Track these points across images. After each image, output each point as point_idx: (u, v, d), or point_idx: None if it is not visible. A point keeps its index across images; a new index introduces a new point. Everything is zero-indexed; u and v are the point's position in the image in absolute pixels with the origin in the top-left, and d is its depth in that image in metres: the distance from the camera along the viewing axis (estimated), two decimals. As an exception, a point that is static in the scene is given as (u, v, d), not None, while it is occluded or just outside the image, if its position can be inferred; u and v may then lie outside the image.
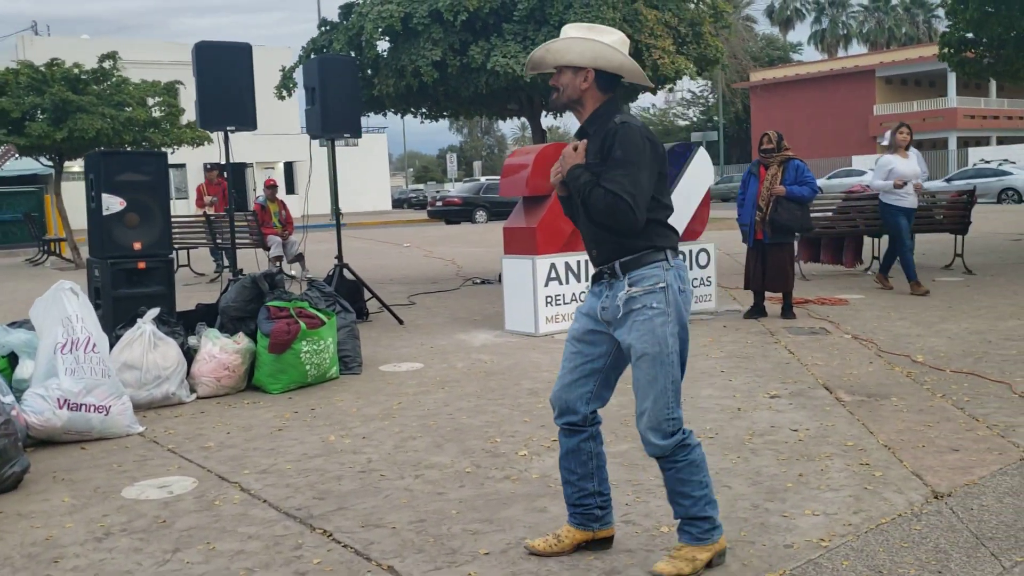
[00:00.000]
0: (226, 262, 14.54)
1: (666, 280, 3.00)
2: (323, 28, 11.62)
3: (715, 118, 56.23)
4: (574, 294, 7.99)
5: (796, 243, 9.82)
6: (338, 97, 8.27)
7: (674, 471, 3.03)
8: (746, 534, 3.37)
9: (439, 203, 32.89)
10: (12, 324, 5.82)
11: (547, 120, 23.67)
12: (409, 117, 13.39)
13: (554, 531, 3.33)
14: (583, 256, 8.05)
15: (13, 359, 5.55)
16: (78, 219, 18.26)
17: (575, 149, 3.09)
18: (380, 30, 10.53)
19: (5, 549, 3.54)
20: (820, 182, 28.37)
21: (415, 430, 5.00)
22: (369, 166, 46.01)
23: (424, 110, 13.05)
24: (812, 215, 8.99)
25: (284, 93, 11.74)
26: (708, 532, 3.05)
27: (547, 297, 7.84)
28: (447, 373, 6.49)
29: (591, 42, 3.05)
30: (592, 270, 3.22)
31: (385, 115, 12.81)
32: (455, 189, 37.87)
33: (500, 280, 9.39)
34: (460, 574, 3.13)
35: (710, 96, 63.33)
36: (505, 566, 3.17)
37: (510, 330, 8.05)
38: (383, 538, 3.48)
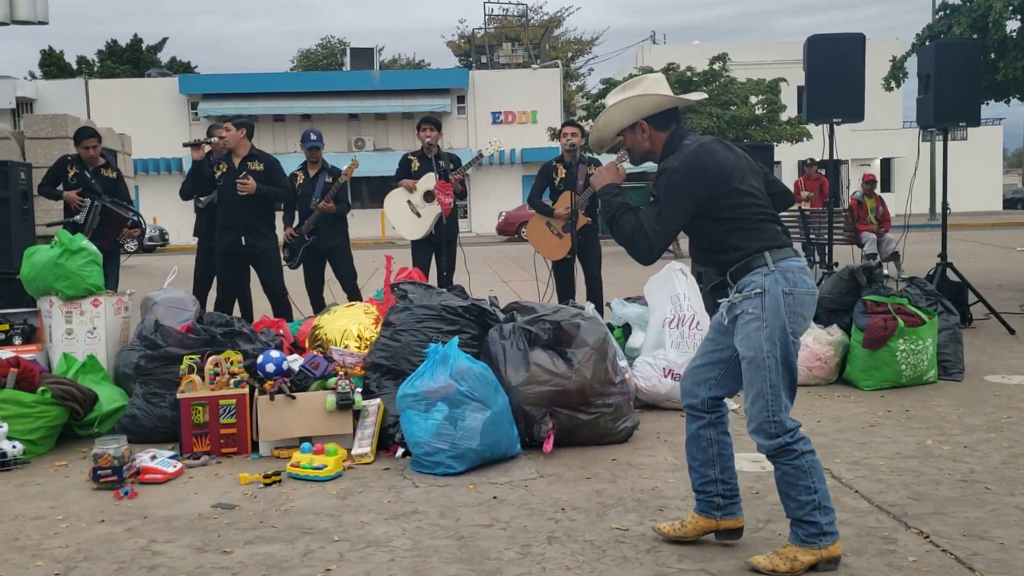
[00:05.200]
0: (817, 257, 14.51)
1: (763, 285, 3.06)
2: (941, 12, 10.88)
3: None
4: None
5: None
6: (955, 84, 7.69)
7: (780, 472, 3.11)
8: None
9: (1062, 205, 28.67)
10: (627, 299, 6.53)
11: None
12: (1035, 105, 11.89)
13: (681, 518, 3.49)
14: None
15: (627, 329, 6.24)
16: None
17: (617, 168, 3.32)
18: (1011, 8, 9.50)
19: (619, 491, 4.02)
20: None
21: (1029, 448, 4.47)
22: (978, 162, 41.78)
23: (1056, 95, 11.46)
24: None
25: (893, 84, 11.28)
26: (814, 537, 3.06)
27: None
28: (1070, 392, 5.68)
29: (625, 101, 3.26)
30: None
31: (1008, 103, 11.55)
32: (1085, 189, 32.60)
33: None
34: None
35: None
36: None
37: None
38: (989, 551, 3.20)
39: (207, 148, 6.87)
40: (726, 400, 3.34)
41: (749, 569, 3.13)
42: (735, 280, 3.17)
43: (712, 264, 3.33)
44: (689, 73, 17.94)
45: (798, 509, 3.09)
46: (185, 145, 6.92)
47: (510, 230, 29.28)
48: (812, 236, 13.69)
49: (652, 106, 3.27)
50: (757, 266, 3.11)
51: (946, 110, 7.71)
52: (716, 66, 17.81)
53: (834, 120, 7.66)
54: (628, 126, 3.30)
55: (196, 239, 7.92)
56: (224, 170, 6.81)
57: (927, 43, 10.10)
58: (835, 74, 7.60)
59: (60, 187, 7.39)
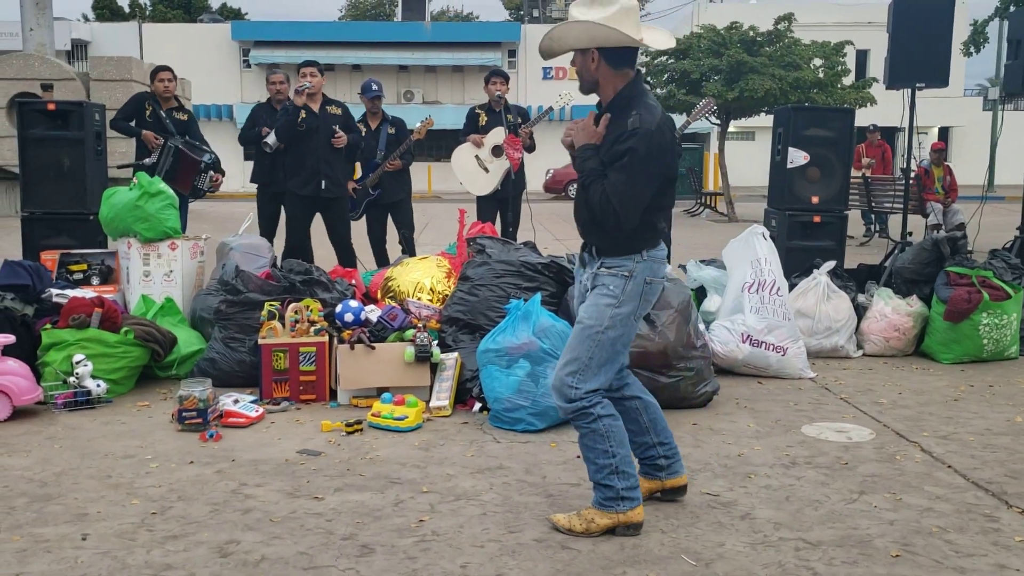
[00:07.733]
0: (878, 226, 14.21)
1: (632, 271, 3.04)
2: (1027, -24, 10.50)
3: None
4: None
5: None
6: (1047, 50, 7.42)
7: (580, 435, 3.15)
8: None
9: None
10: (703, 261, 6.43)
11: None
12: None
13: None
14: None
15: (701, 292, 6.15)
16: (734, 176, 19.52)
17: (597, 125, 3.04)
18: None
19: (703, 456, 3.98)
20: None
21: (1123, 430, 4.35)
22: (1040, 134, 40.60)
23: None
24: None
25: (972, 49, 10.93)
26: (611, 501, 3.10)
27: None
28: None
29: (585, 25, 2.97)
30: None
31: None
32: None
33: None
34: None
35: None
36: None
37: None
38: (1099, 536, 3.11)
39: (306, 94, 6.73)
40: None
41: (550, 527, 3.18)
42: (605, 256, 3.08)
43: (595, 236, 3.12)
44: (752, 33, 17.50)
45: (597, 472, 3.12)
46: (296, 91, 6.72)
47: (558, 187, 29.03)
48: (874, 204, 13.42)
49: (612, 40, 2.99)
50: (634, 251, 3.04)
51: (1036, 78, 7.46)
52: (781, 26, 17.37)
53: (917, 85, 7.43)
54: (580, 49, 3.05)
55: (256, 186, 7.86)
56: (305, 116, 6.72)
57: (1013, 7, 9.76)
58: (920, 37, 7.35)
59: (134, 124, 7.43)
